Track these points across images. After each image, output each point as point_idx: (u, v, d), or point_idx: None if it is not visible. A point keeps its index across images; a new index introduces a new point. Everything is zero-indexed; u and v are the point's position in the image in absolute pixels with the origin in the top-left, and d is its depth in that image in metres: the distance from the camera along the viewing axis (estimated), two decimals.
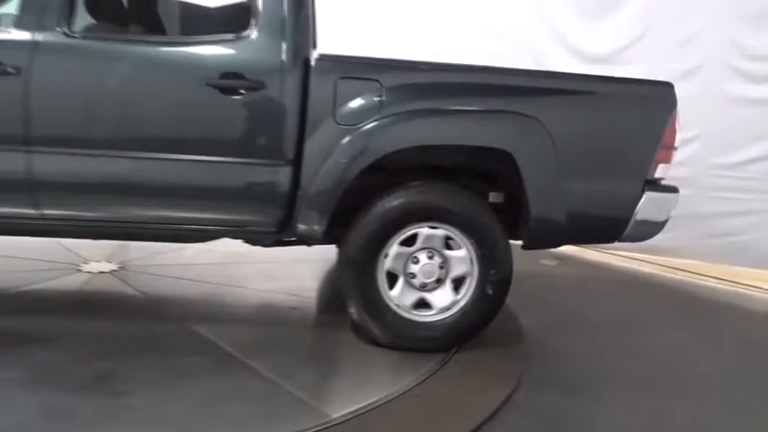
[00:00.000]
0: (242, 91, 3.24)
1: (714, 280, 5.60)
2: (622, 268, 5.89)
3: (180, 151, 3.23)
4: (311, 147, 3.30)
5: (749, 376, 3.68)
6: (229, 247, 3.95)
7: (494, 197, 3.71)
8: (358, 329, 3.50)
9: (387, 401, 2.90)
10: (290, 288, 4.29)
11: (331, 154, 3.29)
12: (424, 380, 3.15)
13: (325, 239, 3.46)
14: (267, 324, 3.74)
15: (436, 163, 3.52)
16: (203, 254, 4.78)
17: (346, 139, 3.28)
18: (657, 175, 3.48)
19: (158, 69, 3.27)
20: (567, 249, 6.23)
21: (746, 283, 5.52)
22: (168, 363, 3.06)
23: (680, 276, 5.71)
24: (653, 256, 5.90)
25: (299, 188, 3.34)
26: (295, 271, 4.66)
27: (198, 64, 3.28)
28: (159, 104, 3.24)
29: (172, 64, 3.29)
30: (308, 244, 3.68)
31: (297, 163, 3.32)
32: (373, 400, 2.89)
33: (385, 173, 3.44)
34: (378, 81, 3.29)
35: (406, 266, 3.44)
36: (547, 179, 3.40)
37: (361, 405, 2.83)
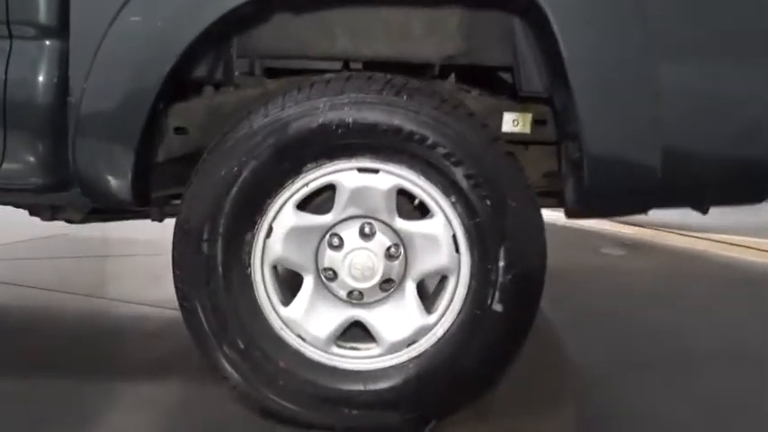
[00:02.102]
0: None
1: None
2: (726, 260, 3.90)
3: None
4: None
5: None
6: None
7: (512, 122, 1.86)
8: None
9: None
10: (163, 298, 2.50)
11: (126, 10, 1.52)
12: None
13: (143, 203, 1.68)
14: (104, 366, 1.99)
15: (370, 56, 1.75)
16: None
17: None
18: None
19: None
20: (639, 233, 4.30)
21: None
22: None
23: None
24: None
25: (70, 90, 1.57)
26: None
27: None
28: None
29: None
30: (123, 215, 1.90)
31: (60, 35, 1.55)
32: None
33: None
34: None
35: (317, 255, 1.62)
36: (620, 63, 1.56)
37: None
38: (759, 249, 3.98)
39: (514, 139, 1.85)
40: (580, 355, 2.24)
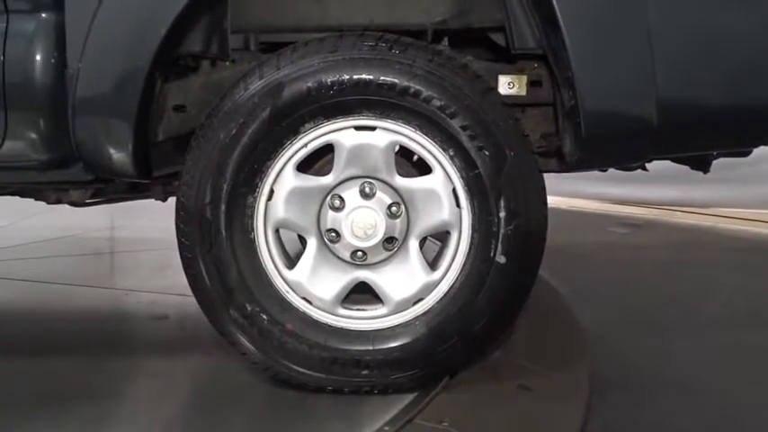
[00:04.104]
0: None
1: None
2: (734, 232, 3.89)
3: None
4: None
5: None
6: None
7: (508, 85, 1.86)
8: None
9: None
10: (169, 285, 2.52)
11: None
12: None
13: (146, 177, 1.70)
14: (119, 346, 2.01)
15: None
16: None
17: None
18: None
19: None
20: (645, 212, 4.29)
21: None
22: None
23: None
24: None
25: (66, 63, 1.59)
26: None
27: None
28: None
29: None
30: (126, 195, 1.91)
31: (55, 8, 1.58)
32: None
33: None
34: None
35: (319, 217, 1.63)
36: (612, 13, 1.58)
37: None
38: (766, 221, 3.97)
39: (511, 102, 1.85)
40: (589, 318, 2.23)
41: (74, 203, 1.98)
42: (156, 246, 3.09)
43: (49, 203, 1.97)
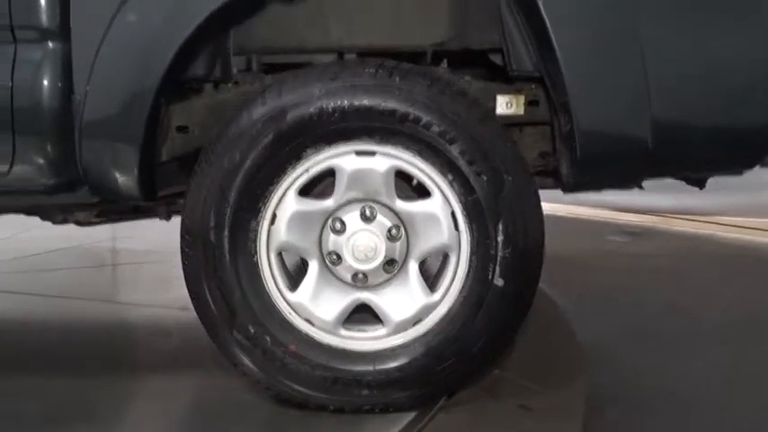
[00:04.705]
0: None
1: None
2: (733, 241, 3.91)
3: None
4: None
5: None
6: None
7: (506, 104, 1.89)
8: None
9: None
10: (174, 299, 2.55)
11: (124, 9, 1.57)
12: None
13: (150, 199, 1.73)
14: (120, 364, 2.04)
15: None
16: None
17: None
18: None
19: None
20: (644, 220, 4.31)
21: None
22: None
23: None
24: None
25: (73, 89, 1.63)
26: None
27: None
28: None
29: None
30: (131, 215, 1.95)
31: (62, 37, 1.61)
32: None
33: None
34: None
35: (321, 239, 1.66)
36: (607, 39, 1.61)
37: None
38: (766, 230, 3.99)
39: (509, 121, 1.89)
40: (586, 331, 2.26)
41: (79, 223, 2.01)
42: (158, 257, 3.12)
43: (54, 223, 2.00)
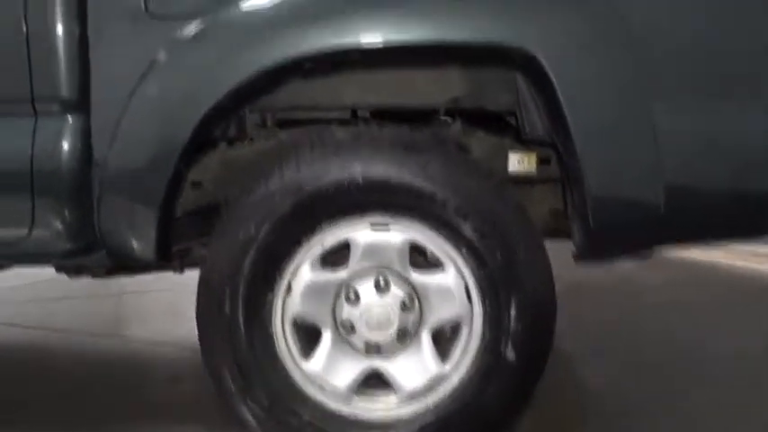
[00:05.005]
0: None
1: None
2: (738, 271, 3.93)
3: None
4: (102, 71, 1.62)
5: None
6: None
7: (518, 164, 1.90)
8: None
9: None
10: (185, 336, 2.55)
11: (144, 84, 1.58)
12: None
13: (165, 259, 1.74)
14: (128, 413, 2.05)
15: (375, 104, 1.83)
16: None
17: (172, 48, 1.58)
18: None
19: None
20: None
21: None
22: None
23: None
24: None
25: (93, 159, 1.64)
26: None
27: None
28: None
29: None
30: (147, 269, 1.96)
31: (82, 107, 1.63)
32: None
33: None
34: None
35: (335, 310, 1.68)
36: (618, 109, 1.62)
37: None
38: None
39: (520, 179, 1.91)
40: (590, 371, 2.26)
41: (93, 274, 2.03)
42: (168, 284, 3.12)
43: (69, 277, 2.02)
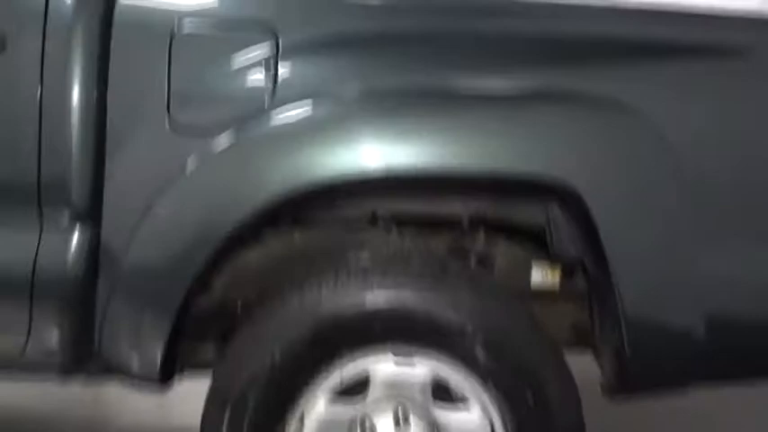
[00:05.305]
0: None
1: None
2: None
3: None
4: (118, 184, 1.53)
5: None
6: None
7: (542, 277, 1.81)
8: None
9: None
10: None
11: (163, 198, 1.49)
12: None
13: (169, 376, 1.63)
14: None
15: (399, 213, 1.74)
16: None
17: (196, 166, 1.50)
18: None
19: None
20: None
21: None
22: None
23: None
24: None
25: (99, 272, 1.55)
26: None
27: None
28: None
29: None
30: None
31: (93, 219, 1.54)
32: None
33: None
34: (272, 34, 1.50)
35: None
36: (661, 244, 1.55)
37: None
38: None
39: (543, 292, 1.82)
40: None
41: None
42: None
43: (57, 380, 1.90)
